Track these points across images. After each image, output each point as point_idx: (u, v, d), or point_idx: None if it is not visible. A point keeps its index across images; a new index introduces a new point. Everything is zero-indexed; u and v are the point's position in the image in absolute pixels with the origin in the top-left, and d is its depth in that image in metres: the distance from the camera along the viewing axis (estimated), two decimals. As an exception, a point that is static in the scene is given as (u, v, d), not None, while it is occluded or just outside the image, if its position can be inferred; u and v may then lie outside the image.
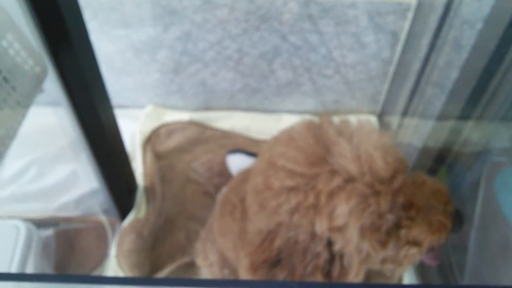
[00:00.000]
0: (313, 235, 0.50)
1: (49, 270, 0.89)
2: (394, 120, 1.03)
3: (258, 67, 1.01)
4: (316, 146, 0.49)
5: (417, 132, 0.93)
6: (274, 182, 0.50)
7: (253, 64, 1.00)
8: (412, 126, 0.95)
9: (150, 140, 1.04)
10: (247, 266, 0.55)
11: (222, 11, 0.90)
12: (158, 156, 1.02)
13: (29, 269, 0.84)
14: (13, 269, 0.82)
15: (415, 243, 0.51)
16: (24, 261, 0.84)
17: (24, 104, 0.56)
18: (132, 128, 1.07)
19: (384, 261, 0.53)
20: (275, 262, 0.52)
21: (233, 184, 0.72)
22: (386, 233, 0.50)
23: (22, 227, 0.86)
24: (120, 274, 0.86)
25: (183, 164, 1.02)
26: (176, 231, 0.92)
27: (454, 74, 0.77)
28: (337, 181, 0.47)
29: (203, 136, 1.07)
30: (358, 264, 0.51)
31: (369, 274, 0.60)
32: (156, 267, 0.88)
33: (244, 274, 0.66)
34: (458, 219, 0.52)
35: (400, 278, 0.82)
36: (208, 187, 0.95)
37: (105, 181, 0.85)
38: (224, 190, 0.76)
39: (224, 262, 0.73)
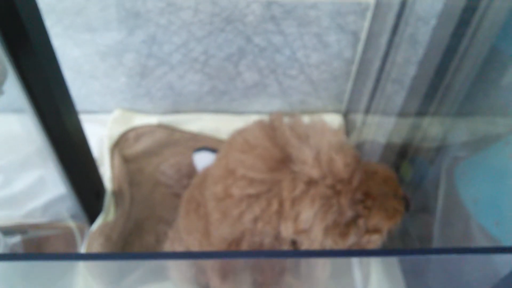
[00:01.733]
0: (277, 238, 0.51)
1: (18, 281, 0.88)
2: (358, 118, 1.05)
3: (225, 69, 1.02)
4: (273, 149, 0.51)
5: (380, 129, 0.96)
6: (234, 191, 0.50)
7: (220, 66, 1.01)
8: (375, 123, 0.98)
9: (118, 144, 1.04)
10: (214, 268, 0.56)
11: (186, 13, 0.91)
12: (127, 160, 1.02)
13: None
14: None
15: (375, 230, 0.54)
16: (-10, 269, 0.83)
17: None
18: (100, 133, 1.06)
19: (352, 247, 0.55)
20: (244, 267, 0.54)
21: (196, 181, 0.72)
22: (346, 225, 0.52)
23: (-12, 234, 0.85)
24: (89, 278, 0.86)
25: (151, 167, 1.02)
26: (145, 234, 0.92)
27: (412, 71, 0.80)
28: (300, 187, 0.48)
29: (172, 139, 1.07)
30: (324, 260, 0.53)
31: None
32: (125, 271, 0.88)
33: (210, 272, 0.67)
34: (406, 203, 0.55)
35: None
36: (177, 189, 0.95)
37: (72, 186, 0.85)
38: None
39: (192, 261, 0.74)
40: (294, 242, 0.52)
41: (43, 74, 0.66)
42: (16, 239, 0.90)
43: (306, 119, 0.56)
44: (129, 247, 0.90)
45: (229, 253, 0.47)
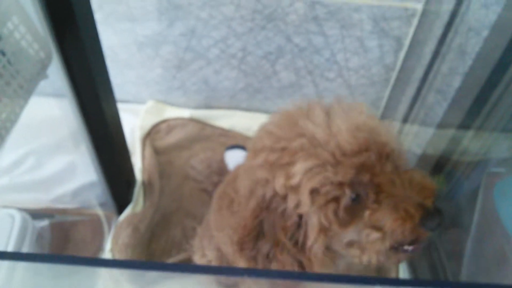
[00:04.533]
0: (275, 193, 0.51)
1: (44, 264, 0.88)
2: (394, 126, 1.03)
3: (261, 67, 1.01)
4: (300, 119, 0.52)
5: (417, 139, 0.93)
6: (257, 144, 0.53)
7: (256, 64, 1.00)
8: (412, 133, 0.95)
9: (150, 135, 1.04)
10: (235, 248, 0.55)
11: (228, 8, 0.90)
12: (157, 152, 1.01)
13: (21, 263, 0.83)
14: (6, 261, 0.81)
15: (377, 228, 0.50)
16: (18, 251, 0.83)
17: (28, 88, 0.56)
18: (133, 122, 1.06)
19: (349, 244, 0.53)
20: (258, 234, 0.53)
21: (229, 178, 0.71)
22: (350, 212, 0.50)
23: (17, 216, 0.86)
24: (115, 271, 0.86)
25: (181, 160, 1.01)
26: (172, 227, 0.91)
27: (457, 82, 0.78)
28: (300, 141, 0.49)
29: (203, 134, 1.06)
30: (317, 231, 0.50)
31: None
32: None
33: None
34: (437, 217, 0.50)
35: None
36: (207, 185, 0.94)
37: (104, 173, 0.85)
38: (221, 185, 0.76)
39: (222, 258, 0.73)
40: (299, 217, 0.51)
41: (87, 59, 0.65)
42: (44, 223, 0.91)
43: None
44: (156, 239, 0.90)
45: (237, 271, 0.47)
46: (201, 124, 1.07)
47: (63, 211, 0.94)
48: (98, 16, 0.92)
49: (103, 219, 0.92)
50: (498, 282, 0.76)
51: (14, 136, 1.05)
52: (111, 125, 0.78)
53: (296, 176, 0.48)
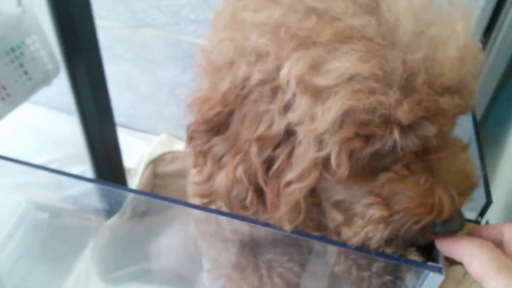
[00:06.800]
0: (270, 80, 0.34)
1: (35, 248, 1.02)
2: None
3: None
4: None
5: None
6: None
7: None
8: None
9: (155, 161, 1.19)
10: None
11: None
12: (156, 176, 1.15)
13: (15, 241, 0.97)
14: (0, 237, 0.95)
15: (386, 202, 0.36)
16: (13, 232, 0.97)
17: (33, 90, 0.73)
18: (144, 149, 1.22)
19: (336, 204, 0.39)
20: (220, 128, 0.40)
21: None
22: (368, 164, 0.35)
23: (23, 203, 1.01)
24: (89, 266, 0.98)
25: (175, 186, 1.14)
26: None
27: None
28: (364, 19, 0.31)
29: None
30: (309, 164, 0.34)
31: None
32: (122, 265, 0.98)
33: None
34: (459, 222, 0.37)
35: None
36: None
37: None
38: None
39: None
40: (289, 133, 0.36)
41: (90, 78, 0.82)
42: (45, 215, 1.06)
43: None
44: (132, 245, 1.01)
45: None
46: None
47: (64, 210, 1.09)
48: (128, 56, 1.12)
49: (93, 223, 1.06)
50: None
51: (41, 146, 1.23)
52: (108, 143, 0.93)
53: (331, 75, 0.31)
